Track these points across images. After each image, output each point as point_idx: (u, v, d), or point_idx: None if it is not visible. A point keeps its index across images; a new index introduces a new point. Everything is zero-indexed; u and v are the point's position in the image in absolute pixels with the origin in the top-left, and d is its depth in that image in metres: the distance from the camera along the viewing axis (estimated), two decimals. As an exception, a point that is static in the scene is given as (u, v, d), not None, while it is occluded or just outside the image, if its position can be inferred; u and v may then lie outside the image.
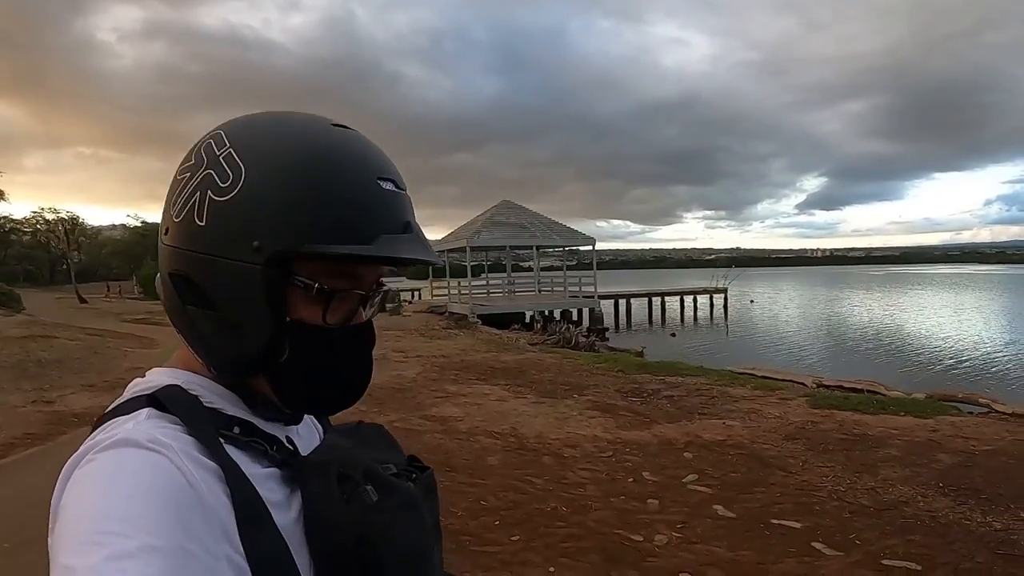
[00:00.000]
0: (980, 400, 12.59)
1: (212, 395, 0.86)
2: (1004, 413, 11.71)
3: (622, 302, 43.59)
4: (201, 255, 0.82)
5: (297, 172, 0.81)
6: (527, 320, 33.22)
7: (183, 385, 0.84)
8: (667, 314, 44.75)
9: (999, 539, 5.79)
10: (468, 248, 35.66)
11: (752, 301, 59.62)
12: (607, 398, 12.36)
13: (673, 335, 36.30)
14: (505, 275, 43.03)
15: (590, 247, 39.23)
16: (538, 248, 38.57)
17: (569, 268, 39.99)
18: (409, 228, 0.86)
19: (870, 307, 56.15)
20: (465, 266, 38.23)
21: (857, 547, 5.64)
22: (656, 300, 45.87)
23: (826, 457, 8.31)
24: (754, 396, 12.21)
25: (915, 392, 13.86)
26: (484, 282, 41.23)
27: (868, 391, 13.78)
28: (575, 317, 35.12)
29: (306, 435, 1.00)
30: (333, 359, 0.87)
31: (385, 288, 0.94)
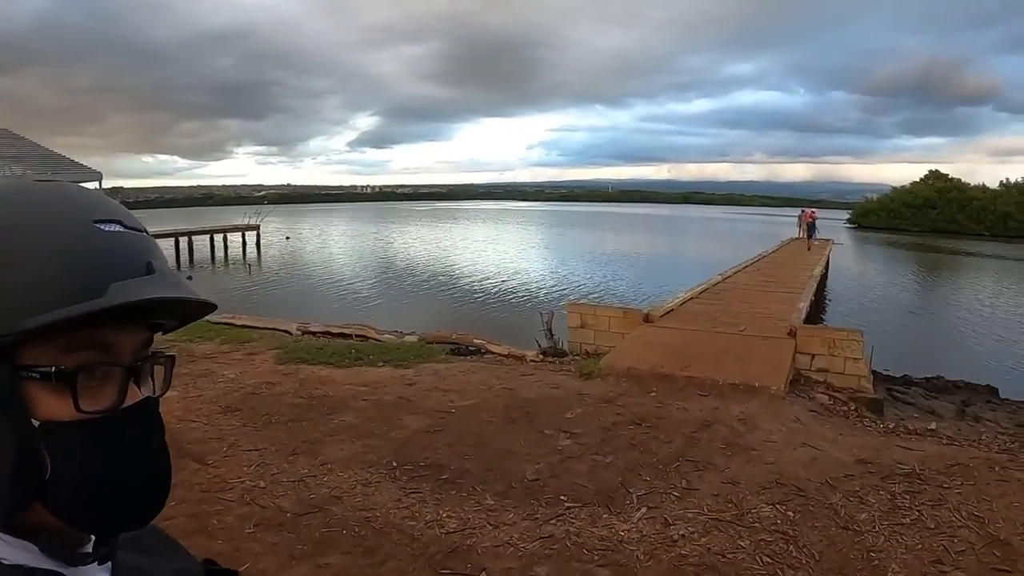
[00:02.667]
0: (475, 341, 12.37)
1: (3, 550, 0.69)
2: (499, 354, 11.60)
3: None
4: None
5: None
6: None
7: None
8: (195, 255, 41.04)
9: (449, 548, 4.84)
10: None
11: (288, 238, 57.44)
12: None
13: (189, 278, 33.05)
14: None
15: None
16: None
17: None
18: (152, 268, 0.72)
19: (405, 241, 57.87)
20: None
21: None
22: (184, 240, 41.30)
23: (263, 435, 7.03)
24: (218, 353, 10.65)
25: (409, 335, 13.38)
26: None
27: (357, 336, 13.05)
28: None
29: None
30: (108, 459, 0.71)
31: (167, 354, 0.81)
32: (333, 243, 56.78)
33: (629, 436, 7.19)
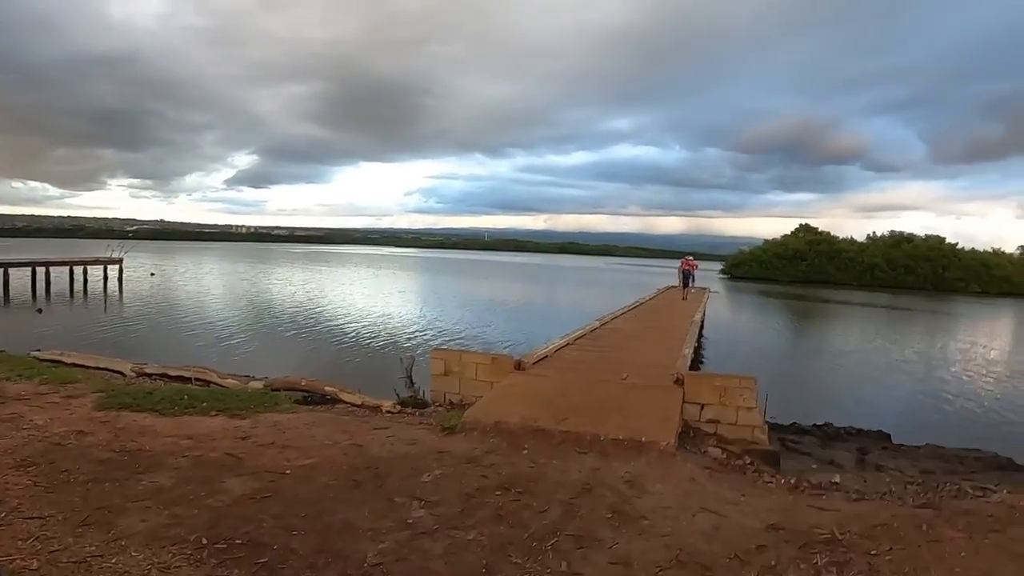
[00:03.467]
0: (326, 389, 10.84)
1: None
2: (352, 404, 10.16)
3: None
4: None
5: None
6: None
7: None
8: (53, 287, 38.43)
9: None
10: None
11: (152, 274, 56.37)
12: None
13: (39, 311, 31.04)
14: None
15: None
16: None
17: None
18: None
19: (273, 283, 55.89)
20: None
21: None
22: (40, 271, 38.66)
23: (53, 498, 5.58)
24: (33, 395, 9.49)
25: (255, 380, 11.75)
26: None
27: (197, 379, 11.76)
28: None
29: None
30: None
31: None
32: (199, 282, 54.13)
33: (496, 505, 5.88)
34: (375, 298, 43.72)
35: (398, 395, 10.96)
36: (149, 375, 12.21)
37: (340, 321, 30.10)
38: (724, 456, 8.54)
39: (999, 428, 15.73)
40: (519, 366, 11.02)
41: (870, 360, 25.92)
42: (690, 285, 32.20)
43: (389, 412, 9.60)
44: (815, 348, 30.34)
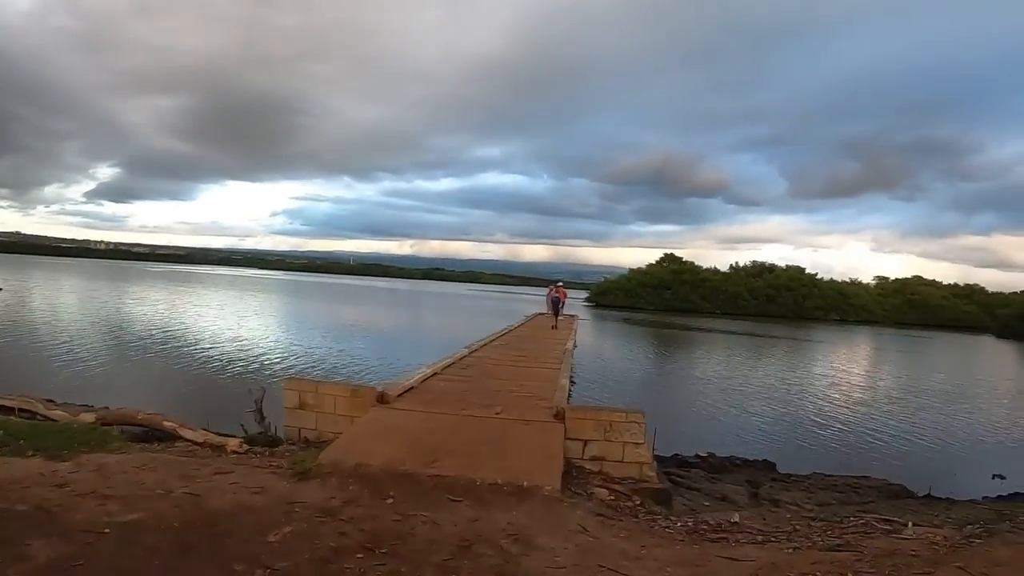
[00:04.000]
0: (164, 424, 9.45)
1: None
2: (193, 442, 8.79)
3: None
4: None
5: None
6: None
7: None
8: None
9: None
10: None
11: (0, 289, 52.35)
12: None
13: None
14: None
15: None
16: None
17: None
18: None
19: (124, 303, 52.29)
20: None
21: None
22: None
23: None
24: None
25: (86, 410, 10.16)
26: None
27: (21, 410, 10.35)
28: None
29: None
30: None
31: None
32: (46, 298, 50.03)
33: (358, 571, 4.87)
34: (232, 321, 41.19)
35: (246, 431, 9.65)
36: None
37: (192, 346, 27.77)
38: (612, 498, 7.77)
39: (878, 452, 15.93)
40: (382, 399, 9.88)
41: (741, 388, 26.09)
42: (560, 313, 31.33)
43: (235, 452, 8.32)
44: (687, 376, 30.35)
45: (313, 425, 9.75)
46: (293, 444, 9.21)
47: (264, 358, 25.29)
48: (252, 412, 9.75)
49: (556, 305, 30.86)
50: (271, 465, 7.72)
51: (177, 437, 8.96)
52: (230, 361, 24.20)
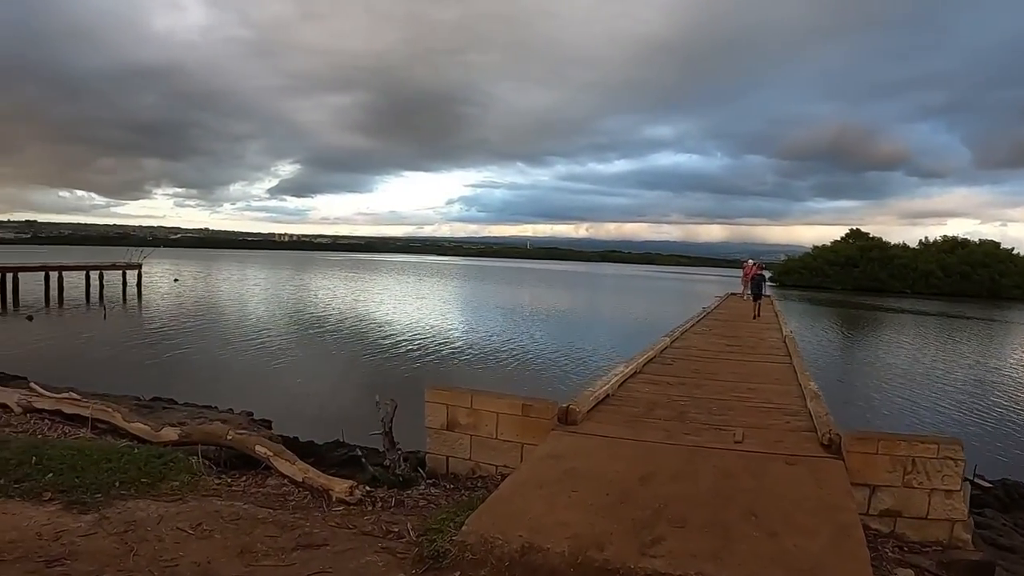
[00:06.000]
0: (257, 449, 7.17)
1: None
2: (289, 479, 6.33)
3: None
4: None
5: None
6: None
7: None
8: (67, 293, 36.21)
9: None
10: None
11: (176, 280, 54.82)
12: None
13: (30, 319, 28.39)
14: None
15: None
16: None
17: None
18: None
19: (296, 291, 52.85)
20: None
21: None
22: (54, 275, 36.28)
23: None
24: None
25: (169, 427, 7.97)
26: None
27: (96, 420, 8.38)
28: None
29: None
30: None
31: None
32: (220, 289, 51.21)
33: None
34: (397, 306, 40.06)
35: (365, 460, 7.04)
36: (39, 410, 8.82)
37: (358, 337, 26.17)
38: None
39: None
40: (566, 416, 6.79)
41: (998, 382, 21.27)
42: (761, 296, 24.38)
43: (343, 501, 5.63)
44: (917, 366, 25.11)
45: (466, 453, 6.98)
46: (434, 483, 6.47)
47: (430, 349, 23.03)
48: (381, 434, 7.05)
49: (759, 287, 24.54)
50: (389, 531, 4.92)
51: (268, 469, 6.50)
52: (385, 351, 22.24)
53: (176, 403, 12.79)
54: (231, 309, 35.59)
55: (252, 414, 12.24)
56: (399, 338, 25.78)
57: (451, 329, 29.38)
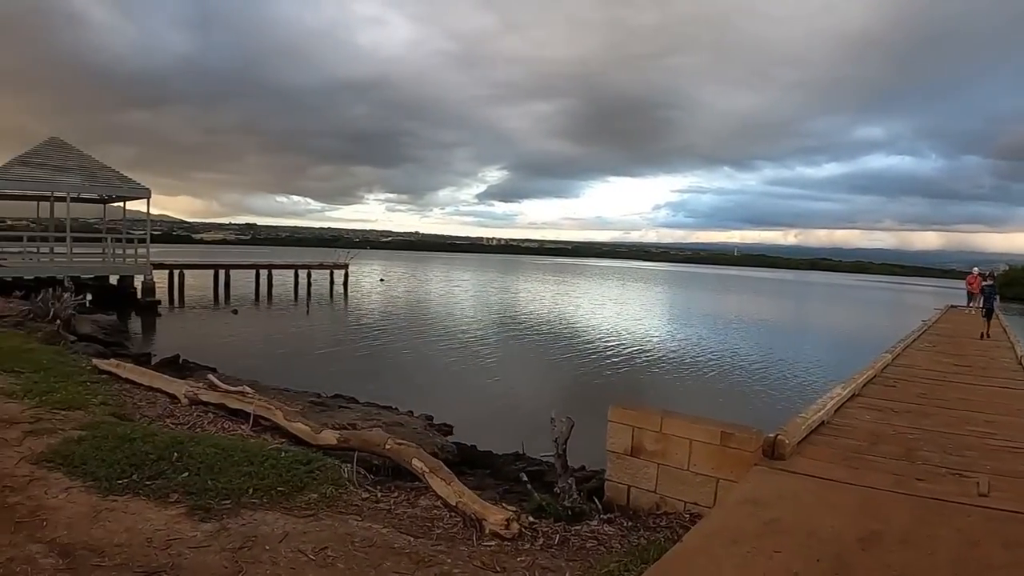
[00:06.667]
0: (414, 464, 6.86)
1: None
2: (443, 499, 5.70)
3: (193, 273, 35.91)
4: None
5: None
6: (67, 285, 23.80)
7: None
8: (276, 290, 38.18)
9: None
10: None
11: (382, 280, 56.16)
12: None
13: (235, 312, 30.03)
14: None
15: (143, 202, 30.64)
16: (71, 198, 28.68)
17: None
18: None
19: (497, 291, 53.11)
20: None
21: None
22: (264, 273, 38.43)
23: None
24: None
25: (329, 431, 7.59)
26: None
27: (259, 417, 8.18)
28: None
29: None
30: None
31: None
32: (423, 289, 52.14)
33: None
34: (603, 313, 38.74)
35: (528, 484, 6.28)
36: (203, 403, 8.83)
37: (551, 341, 25.28)
38: None
39: None
40: (773, 451, 5.68)
41: None
42: (992, 313, 19.86)
43: (496, 535, 4.88)
44: None
45: (651, 484, 5.96)
46: (610, 519, 5.55)
47: (615, 356, 21.90)
48: (553, 457, 6.27)
49: (990, 300, 19.92)
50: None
51: (422, 485, 5.89)
52: (578, 357, 21.39)
53: (357, 402, 12.55)
54: (429, 309, 36.04)
55: (432, 418, 11.82)
56: (592, 344, 24.71)
57: (647, 337, 27.89)
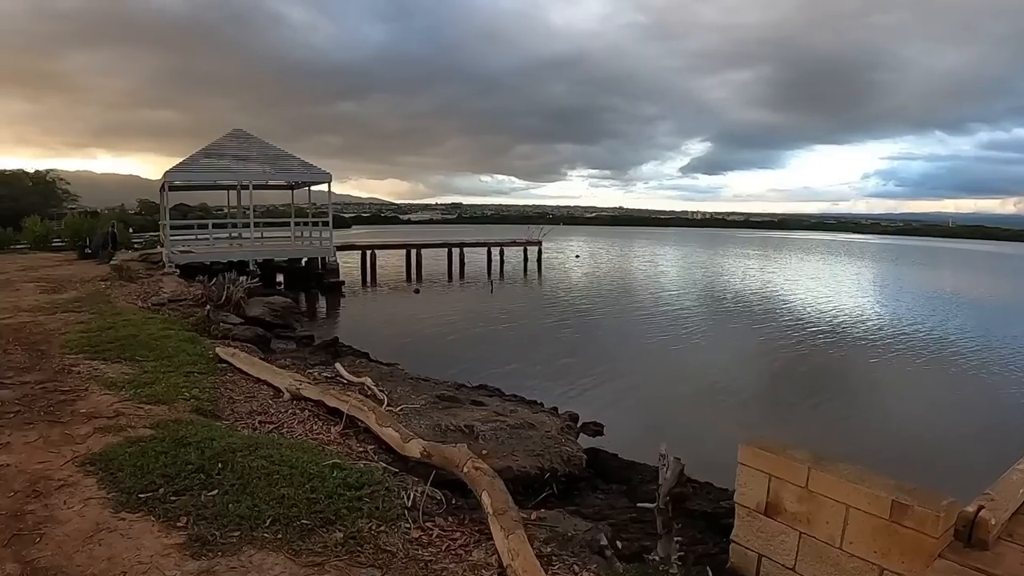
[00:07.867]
0: (483, 497, 6.48)
1: None
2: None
3: (385, 253, 36.95)
4: None
5: None
6: (251, 268, 25.57)
7: None
8: (468, 268, 38.24)
9: None
10: (166, 186, 29.58)
11: (577, 256, 54.82)
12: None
13: (417, 291, 30.82)
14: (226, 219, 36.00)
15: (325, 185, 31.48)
16: (254, 185, 30.16)
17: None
18: None
19: (692, 267, 50.53)
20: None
21: None
22: (456, 251, 38.80)
23: None
24: (93, 415, 6.79)
25: (415, 441, 6.54)
26: (192, 225, 33.41)
27: (351, 418, 7.53)
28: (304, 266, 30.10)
29: None
30: None
31: None
32: (618, 266, 50.06)
33: None
34: (795, 290, 35.05)
35: (609, 552, 4.81)
36: (304, 398, 8.30)
37: (745, 326, 22.57)
38: None
39: None
40: (971, 533, 3.77)
41: None
42: None
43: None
44: None
45: (789, 558, 4.29)
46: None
47: (792, 350, 18.60)
48: (658, 508, 4.74)
49: None
50: None
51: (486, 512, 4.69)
52: (778, 344, 19.03)
53: (501, 394, 11.36)
54: (618, 290, 33.86)
55: (577, 417, 10.27)
56: (774, 331, 21.57)
57: (828, 328, 22.82)
